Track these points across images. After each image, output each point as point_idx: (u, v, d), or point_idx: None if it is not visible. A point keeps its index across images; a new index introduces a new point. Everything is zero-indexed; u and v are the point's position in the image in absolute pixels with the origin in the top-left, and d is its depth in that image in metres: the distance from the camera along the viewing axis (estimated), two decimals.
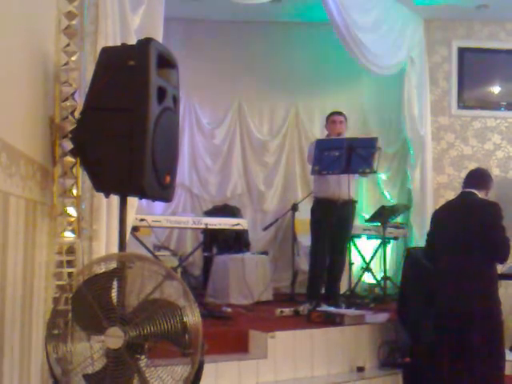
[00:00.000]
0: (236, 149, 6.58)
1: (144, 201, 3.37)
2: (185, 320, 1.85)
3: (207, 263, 5.80)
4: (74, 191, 2.49)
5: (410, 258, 4.61)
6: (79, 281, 1.93)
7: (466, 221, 3.70)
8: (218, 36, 6.44)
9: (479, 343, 3.56)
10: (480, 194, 3.81)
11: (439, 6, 6.00)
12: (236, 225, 4.75)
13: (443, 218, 3.91)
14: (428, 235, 4.02)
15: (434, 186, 6.37)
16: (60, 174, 2.46)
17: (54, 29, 2.52)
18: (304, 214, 5.43)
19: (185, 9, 5.90)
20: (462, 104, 6.52)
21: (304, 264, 5.64)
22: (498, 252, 3.63)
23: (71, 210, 2.49)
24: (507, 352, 4.71)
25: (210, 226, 4.63)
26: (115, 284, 1.93)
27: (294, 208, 5.47)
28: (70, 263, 2.45)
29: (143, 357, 1.91)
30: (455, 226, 3.74)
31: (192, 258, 5.70)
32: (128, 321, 1.87)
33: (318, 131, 6.39)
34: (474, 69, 6.56)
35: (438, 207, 4.30)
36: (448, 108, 6.51)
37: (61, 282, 2.39)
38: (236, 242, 5.88)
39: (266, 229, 5.60)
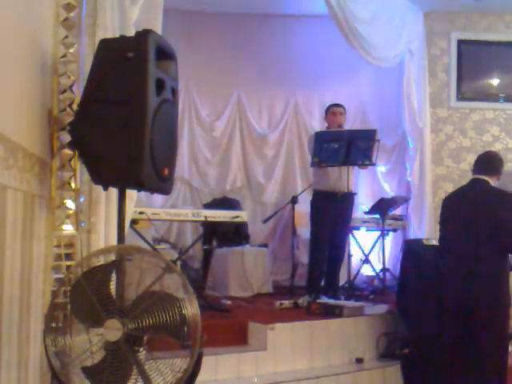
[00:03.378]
0: (235, 141, 6.56)
1: (143, 194, 3.37)
2: (184, 312, 1.85)
3: (207, 256, 5.80)
4: (73, 184, 2.49)
5: (409, 249, 4.62)
6: (78, 273, 1.93)
7: (478, 210, 3.55)
8: (217, 28, 6.41)
9: (485, 336, 3.51)
10: (492, 181, 3.64)
11: None
12: (235, 217, 4.74)
13: (454, 205, 3.76)
14: (439, 223, 3.87)
15: (432, 178, 6.37)
16: (58, 166, 2.45)
17: (53, 21, 2.51)
18: (304, 207, 5.43)
19: (184, 1, 5.87)
20: (461, 96, 6.51)
21: (303, 256, 5.64)
22: None
23: (69, 203, 2.49)
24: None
25: (209, 219, 4.63)
26: (114, 276, 1.93)
27: (294, 200, 5.47)
28: (68, 256, 2.45)
29: (142, 349, 1.92)
30: (467, 214, 3.61)
31: (192, 251, 5.70)
32: (127, 313, 1.87)
33: (318, 124, 6.38)
34: (473, 61, 6.54)
35: (446, 195, 4.07)
36: (447, 100, 6.49)
37: (59, 275, 2.39)
38: (236, 234, 5.88)
39: (265, 221, 5.60)
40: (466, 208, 3.64)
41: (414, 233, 6.10)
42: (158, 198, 5.76)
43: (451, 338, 3.64)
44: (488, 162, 3.72)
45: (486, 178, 3.64)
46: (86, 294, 1.88)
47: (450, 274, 3.68)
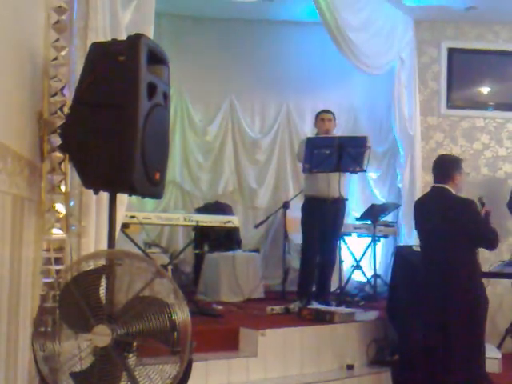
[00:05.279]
0: (228, 146, 6.57)
1: (135, 197, 3.35)
2: (173, 318, 1.84)
3: (198, 260, 5.78)
4: (63, 187, 2.47)
5: (400, 255, 4.63)
6: (67, 278, 1.92)
7: (441, 219, 3.70)
8: (210, 33, 6.43)
9: (465, 338, 3.58)
10: (450, 186, 3.75)
11: (429, 7, 6.02)
12: (227, 222, 4.73)
13: (421, 213, 3.92)
14: (415, 228, 4.05)
15: (422, 185, 6.40)
16: (48, 169, 2.44)
17: (44, 24, 2.50)
18: (295, 212, 5.43)
19: (176, 5, 5.88)
20: (451, 104, 6.55)
21: (295, 262, 5.63)
22: (488, 244, 3.70)
23: (59, 207, 2.47)
24: (495, 350, 4.76)
25: (201, 223, 4.62)
26: (104, 281, 1.92)
27: (286, 206, 5.47)
28: (57, 260, 2.43)
29: (131, 355, 1.90)
30: (432, 221, 3.76)
31: (183, 256, 5.68)
32: (116, 319, 1.86)
33: (309, 129, 6.39)
34: (463, 69, 6.59)
35: (416, 199, 4.33)
36: (437, 108, 6.53)
37: (48, 280, 2.37)
38: (227, 239, 5.86)
39: (257, 226, 5.59)
40: (431, 217, 3.78)
41: (405, 239, 6.11)
42: (149, 201, 5.74)
43: (432, 342, 3.69)
44: (441, 169, 3.83)
45: (444, 186, 3.75)
46: (75, 298, 1.86)
47: (427, 279, 3.76)
